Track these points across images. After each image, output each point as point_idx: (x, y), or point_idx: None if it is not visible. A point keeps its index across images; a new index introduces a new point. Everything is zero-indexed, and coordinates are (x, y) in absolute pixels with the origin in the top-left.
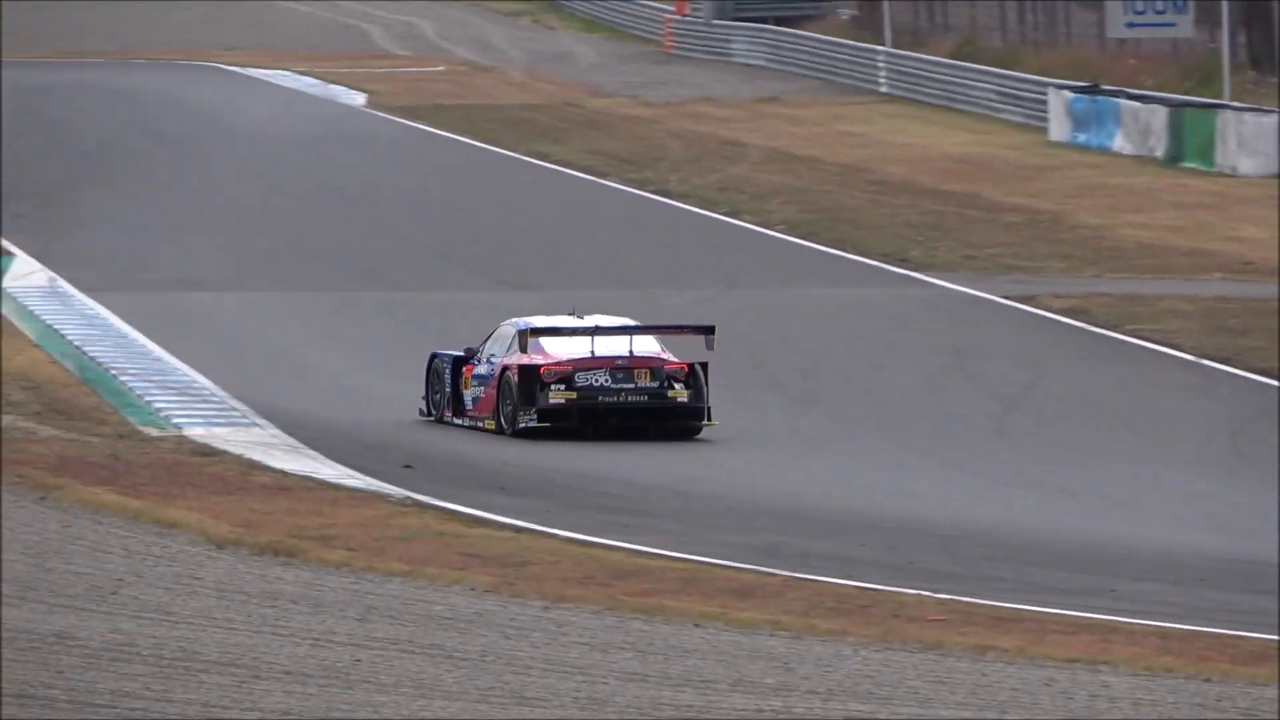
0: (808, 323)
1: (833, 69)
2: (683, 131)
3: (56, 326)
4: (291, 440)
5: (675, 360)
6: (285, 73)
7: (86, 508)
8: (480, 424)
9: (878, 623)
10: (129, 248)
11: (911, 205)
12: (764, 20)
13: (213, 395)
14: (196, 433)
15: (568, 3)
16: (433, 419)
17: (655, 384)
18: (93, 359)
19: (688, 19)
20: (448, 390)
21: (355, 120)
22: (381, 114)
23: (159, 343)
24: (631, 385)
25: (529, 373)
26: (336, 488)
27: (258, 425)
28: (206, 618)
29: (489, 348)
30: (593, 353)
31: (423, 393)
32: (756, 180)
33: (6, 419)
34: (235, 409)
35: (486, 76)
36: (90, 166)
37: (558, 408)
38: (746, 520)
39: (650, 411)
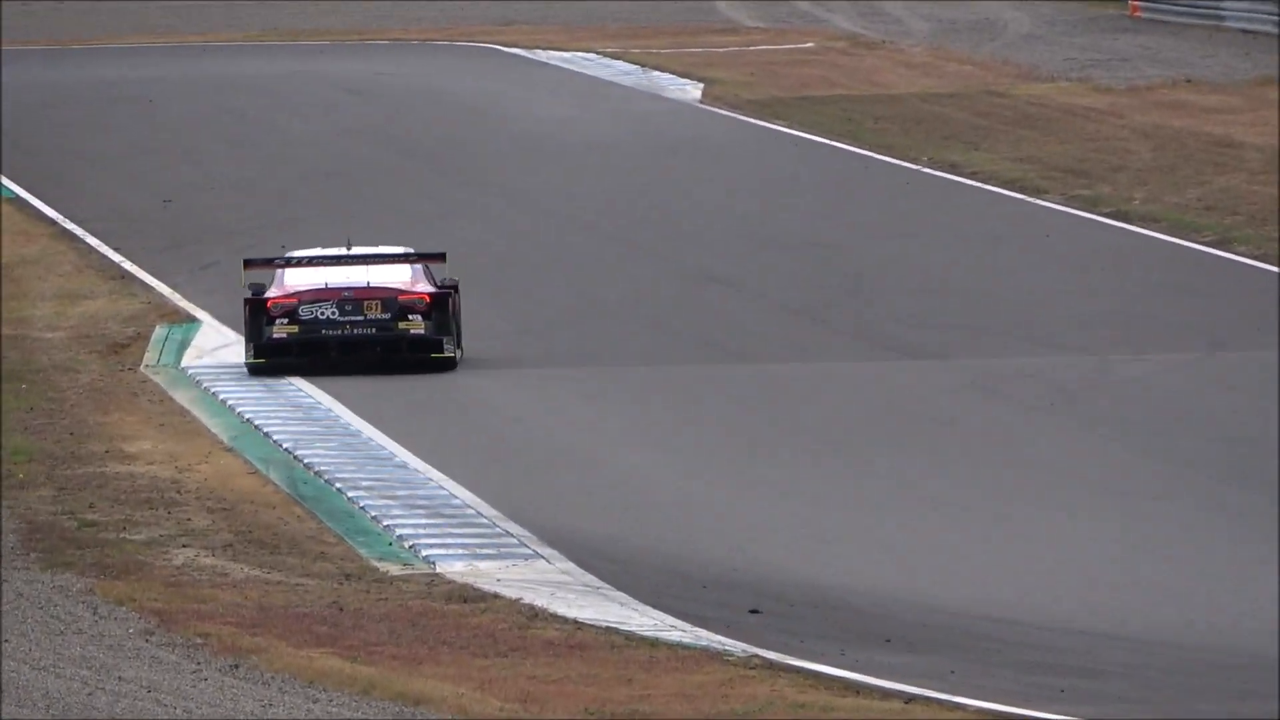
0: None
1: None
2: (1152, 128)
3: (258, 421)
4: (589, 577)
5: (415, 290)
6: (588, 55)
7: (297, 678)
8: None
9: None
10: None
11: None
12: None
13: (477, 515)
14: (454, 569)
15: None
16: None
17: (386, 315)
18: (308, 466)
19: None
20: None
21: (687, 121)
22: (724, 111)
23: (401, 441)
24: (360, 318)
25: (257, 306)
26: (653, 643)
27: (541, 557)
28: None
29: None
30: (326, 284)
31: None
32: (1255, 196)
33: (185, 554)
34: (509, 533)
35: (875, 55)
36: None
37: (279, 342)
38: (1233, 676)
39: (377, 344)
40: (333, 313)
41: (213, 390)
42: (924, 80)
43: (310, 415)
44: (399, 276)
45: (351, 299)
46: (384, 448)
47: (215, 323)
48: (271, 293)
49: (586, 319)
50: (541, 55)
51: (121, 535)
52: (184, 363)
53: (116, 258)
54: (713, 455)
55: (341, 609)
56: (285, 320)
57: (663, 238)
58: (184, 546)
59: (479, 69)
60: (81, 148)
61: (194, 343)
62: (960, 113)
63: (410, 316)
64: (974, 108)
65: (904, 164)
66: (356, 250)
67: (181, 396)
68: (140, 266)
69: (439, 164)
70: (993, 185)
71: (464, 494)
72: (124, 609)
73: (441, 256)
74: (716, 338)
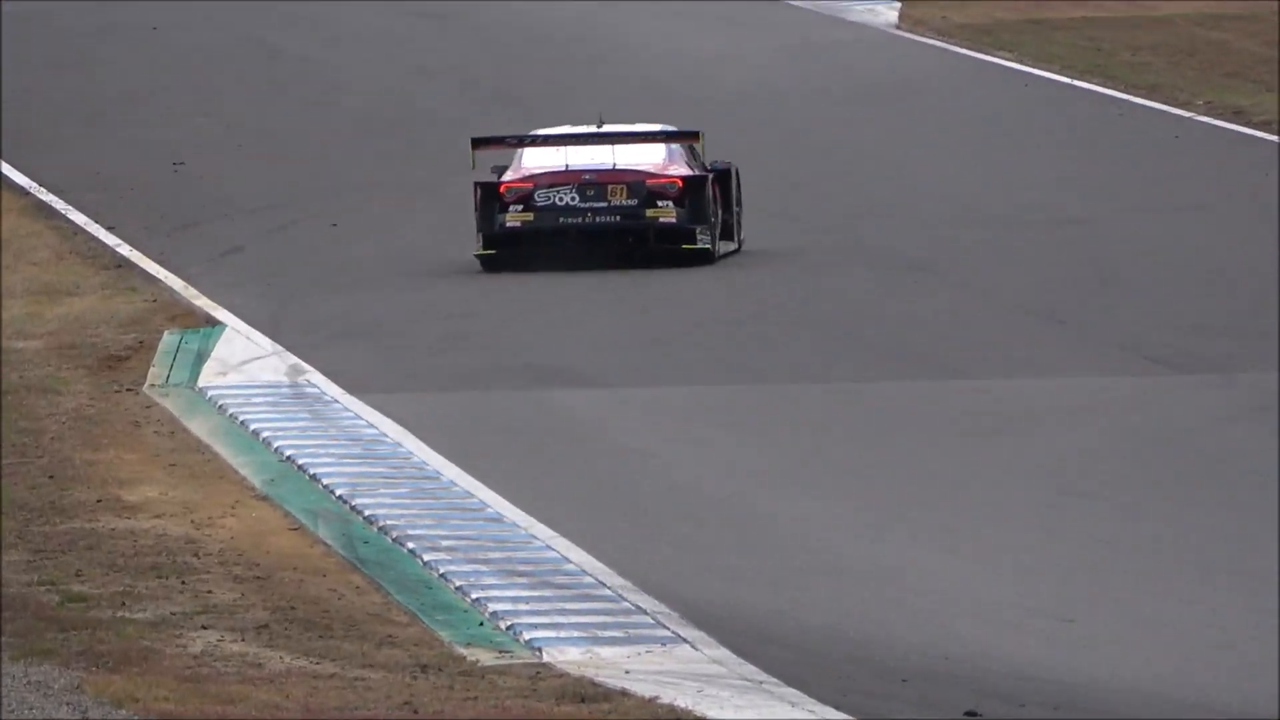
0: None
1: None
2: None
3: (303, 459)
4: (748, 668)
5: (666, 174)
6: None
7: None
8: None
9: None
10: (432, 310)
11: None
12: None
13: (598, 584)
14: (568, 657)
15: None
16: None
17: (633, 201)
18: (370, 520)
19: None
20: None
21: (878, 54)
22: (929, 40)
23: (494, 484)
24: (603, 204)
25: (489, 191)
26: None
27: (684, 640)
28: None
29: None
30: (566, 166)
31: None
32: None
33: (205, 638)
34: (640, 609)
35: None
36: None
37: (512, 231)
38: None
39: (621, 233)
40: (573, 198)
41: (241, 418)
42: None
43: (372, 450)
44: (650, 158)
45: (594, 183)
46: (472, 494)
47: (243, 326)
48: (506, 176)
49: (737, 323)
50: None
51: (119, 613)
52: (201, 381)
53: (110, 240)
54: (913, 505)
55: (416, 710)
56: (520, 207)
57: (846, 214)
58: (203, 628)
59: None
60: (62, 93)
61: (214, 354)
62: (1249, 41)
63: (660, 203)
64: (1268, 34)
65: (1174, 110)
66: (606, 129)
67: (199, 427)
68: (142, 252)
69: (540, 117)
70: None
71: (580, 556)
72: (123, 711)
73: (696, 135)
74: (918, 346)
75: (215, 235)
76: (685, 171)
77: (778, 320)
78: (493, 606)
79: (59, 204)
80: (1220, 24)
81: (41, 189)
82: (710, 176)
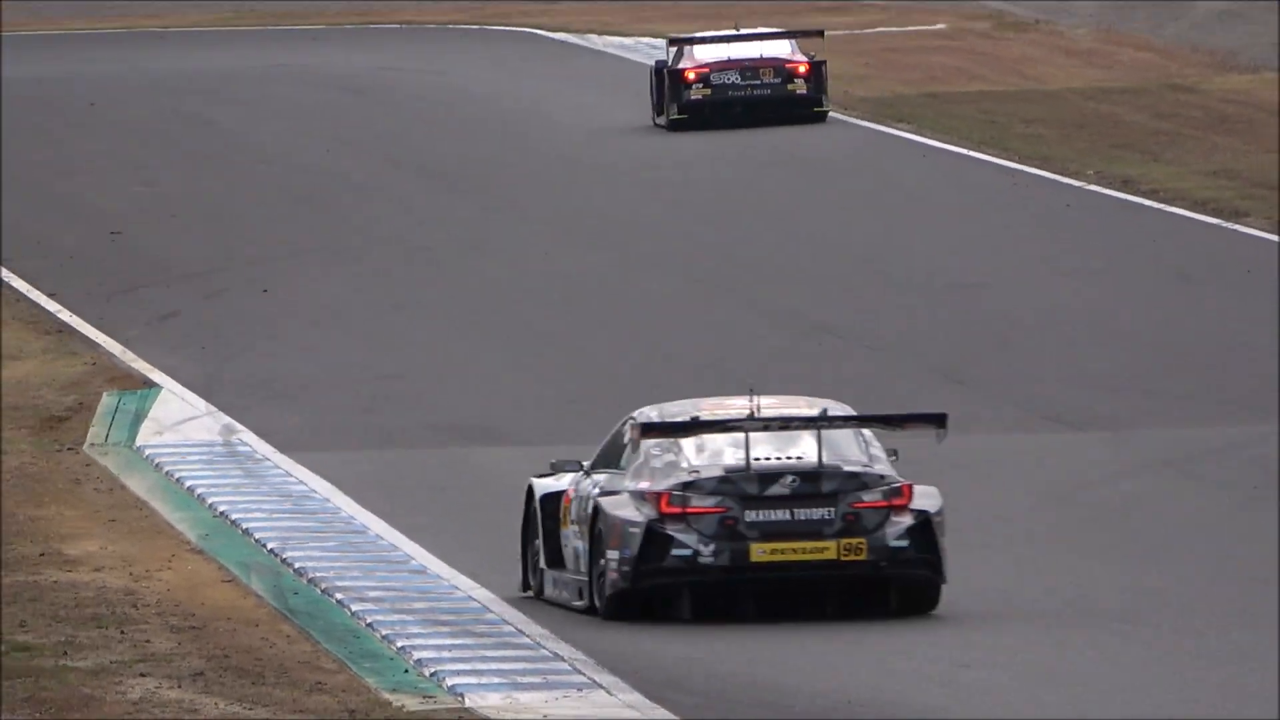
0: None
1: None
2: None
3: (236, 514)
4: (660, 712)
5: (796, 59)
6: (656, 41)
7: None
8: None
9: None
10: (366, 365)
11: None
12: None
13: (517, 633)
14: (489, 702)
15: None
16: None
17: (779, 79)
18: (300, 572)
19: None
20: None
21: (787, 125)
22: (835, 113)
23: (417, 538)
24: (758, 81)
25: (675, 75)
26: None
27: (599, 686)
28: None
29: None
30: (729, 58)
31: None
32: None
33: (144, 685)
34: (558, 655)
35: (1025, 40)
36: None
37: (697, 102)
38: None
39: (772, 102)
40: (736, 79)
41: (177, 476)
42: (1089, 72)
43: (302, 506)
44: (783, 50)
45: (751, 67)
46: (396, 547)
47: (179, 388)
48: (684, 64)
49: (656, 382)
50: (596, 41)
51: (62, 662)
52: (140, 441)
53: (51, 306)
54: None
55: None
56: (700, 85)
57: (757, 277)
58: (142, 675)
59: (514, 60)
60: (2, 163)
61: (152, 414)
62: (1136, 114)
63: (794, 80)
64: (1154, 107)
65: (1064, 180)
66: (745, 30)
67: (137, 484)
68: (82, 317)
69: (461, 185)
70: (1178, 206)
71: (501, 607)
72: None
73: (820, 33)
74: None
75: (152, 300)
76: (803, 58)
77: (686, 377)
78: (417, 654)
79: (2, 272)
80: (1109, 97)
81: None
82: (825, 62)
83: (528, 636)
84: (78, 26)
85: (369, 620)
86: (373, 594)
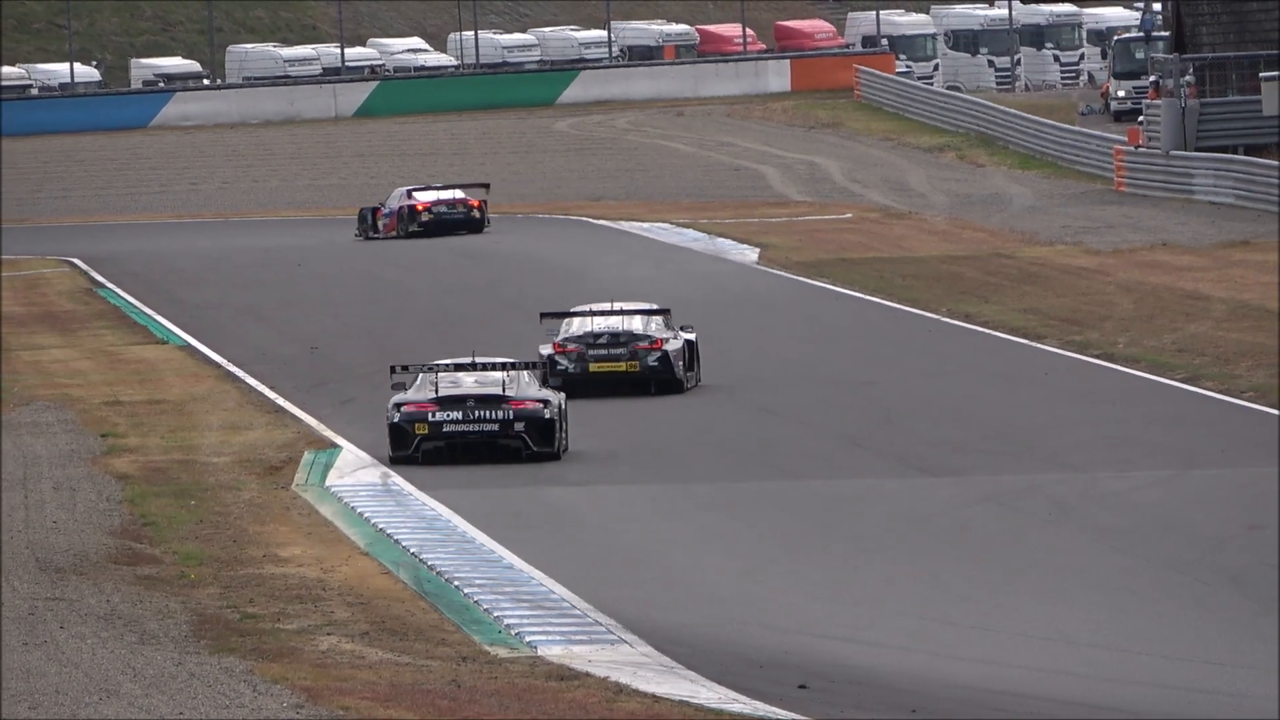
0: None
1: None
2: (1134, 284)
3: (389, 530)
4: (665, 659)
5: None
6: (664, 226)
7: None
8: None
9: None
10: None
11: None
12: (1232, 150)
13: (572, 608)
14: (553, 652)
15: (1000, 136)
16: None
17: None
18: (431, 568)
19: (1142, 150)
20: (369, 222)
21: (746, 279)
22: (777, 271)
23: (508, 546)
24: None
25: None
26: (718, 714)
27: (625, 642)
28: None
29: (388, 203)
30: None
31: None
32: (1220, 340)
33: (329, 640)
34: (599, 623)
35: (902, 224)
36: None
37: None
38: None
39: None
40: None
41: (352, 505)
42: (943, 245)
43: (432, 525)
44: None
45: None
46: (493, 552)
47: (354, 449)
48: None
49: (667, 444)
50: (625, 225)
51: (276, 625)
52: (328, 482)
53: (271, 395)
54: (768, 558)
55: (459, 686)
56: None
57: (729, 377)
58: (328, 635)
59: (572, 237)
60: (241, 302)
61: (335, 465)
62: (974, 272)
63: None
64: (985, 267)
65: (927, 314)
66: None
67: (326, 510)
68: (291, 402)
69: (538, 319)
70: (1001, 332)
71: (561, 590)
72: (278, 686)
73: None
74: (773, 459)
75: (337, 391)
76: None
77: (682, 439)
78: (506, 620)
79: (240, 373)
80: (956, 262)
81: (230, 363)
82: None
83: (578, 610)
84: (288, 214)
85: (475, 599)
86: (478, 582)
